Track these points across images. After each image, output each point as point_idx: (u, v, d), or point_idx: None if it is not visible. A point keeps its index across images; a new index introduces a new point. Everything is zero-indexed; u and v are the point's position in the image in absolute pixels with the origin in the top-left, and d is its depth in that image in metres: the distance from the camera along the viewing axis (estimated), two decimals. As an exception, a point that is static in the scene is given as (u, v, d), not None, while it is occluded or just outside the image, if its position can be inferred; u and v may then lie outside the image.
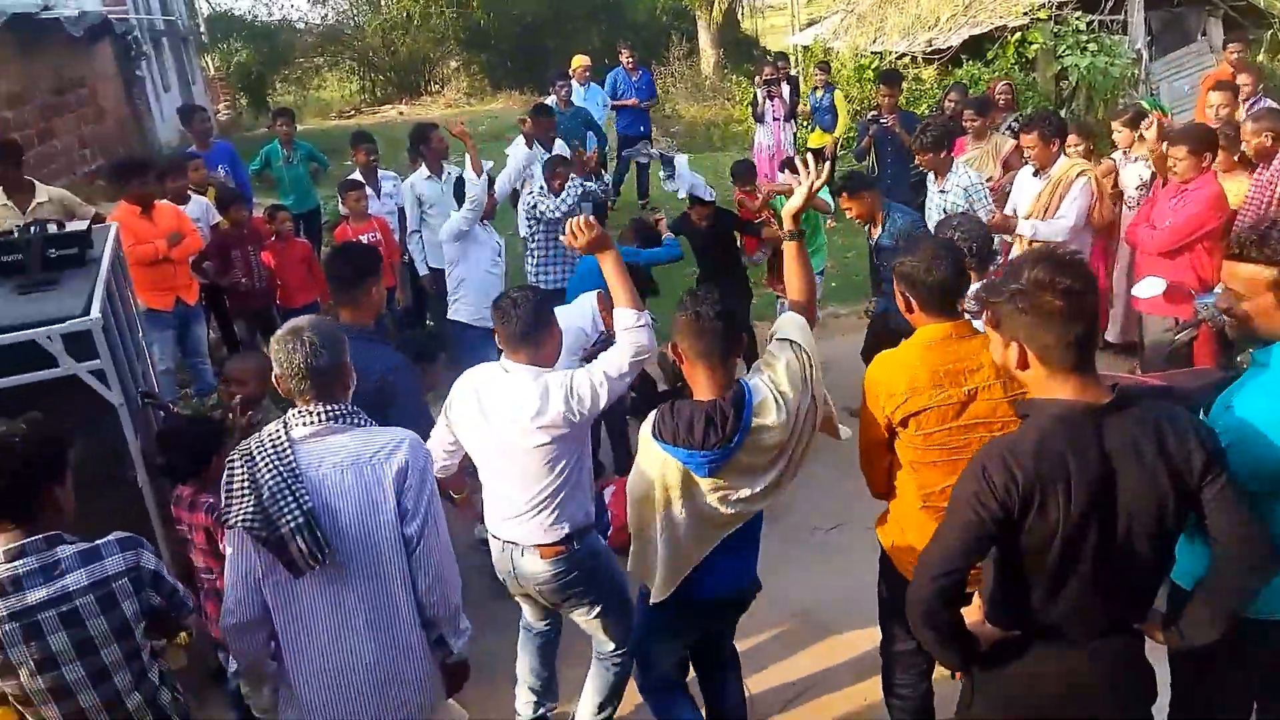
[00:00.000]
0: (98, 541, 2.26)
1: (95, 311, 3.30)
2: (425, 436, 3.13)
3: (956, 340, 2.72)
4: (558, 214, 5.89)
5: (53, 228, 4.06)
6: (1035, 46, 11.20)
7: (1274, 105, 7.59)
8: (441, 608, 2.46)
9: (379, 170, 7.18)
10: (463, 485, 3.46)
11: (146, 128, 14.51)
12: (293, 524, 2.23)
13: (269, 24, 22.45)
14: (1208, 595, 2.10)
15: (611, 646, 3.31)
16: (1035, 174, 5.54)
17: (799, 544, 4.68)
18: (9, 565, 2.12)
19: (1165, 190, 4.96)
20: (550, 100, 9.25)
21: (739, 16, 22.52)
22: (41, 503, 2.20)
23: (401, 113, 19.13)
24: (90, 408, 3.27)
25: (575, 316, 4.55)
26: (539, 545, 3.03)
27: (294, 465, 2.30)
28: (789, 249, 3.00)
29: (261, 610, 2.38)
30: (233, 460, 2.36)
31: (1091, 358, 2.01)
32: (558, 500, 3.00)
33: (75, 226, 4.24)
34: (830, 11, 15.97)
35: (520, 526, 3.04)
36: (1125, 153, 5.92)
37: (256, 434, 2.40)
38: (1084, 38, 11.31)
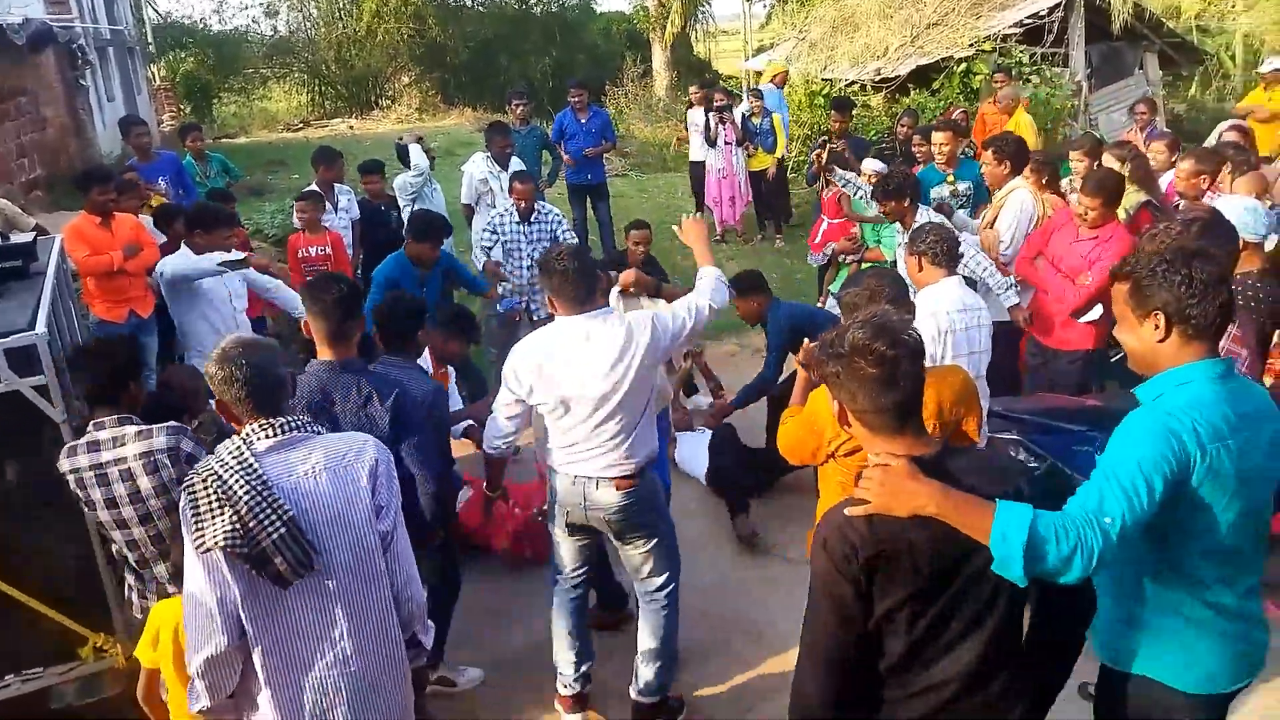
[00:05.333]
0: (152, 425, 2.99)
1: (40, 326, 3.22)
2: (434, 450, 3.30)
3: None
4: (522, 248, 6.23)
5: (-5, 239, 3.97)
6: (979, 77, 11.53)
7: (1167, 131, 8.01)
8: (415, 603, 2.50)
9: (336, 185, 7.14)
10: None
11: (88, 137, 14.15)
12: (275, 536, 2.21)
13: (220, 33, 22.15)
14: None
15: (660, 581, 3.49)
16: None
17: (758, 568, 4.74)
18: (92, 433, 3.00)
19: (1064, 231, 4.91)
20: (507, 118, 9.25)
21: (692, 40, 22.78)
22: (121, 394, 3.04)
23: (351, 127, 18.98)
24: (32, 424, 3.18)
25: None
26: (615, 477, 3.27)
27: (264, 477, 2.27)
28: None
29: (239, 637, 2.31)
30: (192, 481, 2.30)
31: (912, 418, 1.98)
32: (634, 434, 3.25)
33: (19, 238, 4.14)
34: (782, 39, 16.25)
35: (598, 461, 3.26)
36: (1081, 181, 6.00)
37: (214, 453, 2.35)
38: (1027, 69, 11.67)
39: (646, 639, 3.56)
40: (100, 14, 16.89)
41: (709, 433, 5.45)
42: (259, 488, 2.24)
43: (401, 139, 7.68)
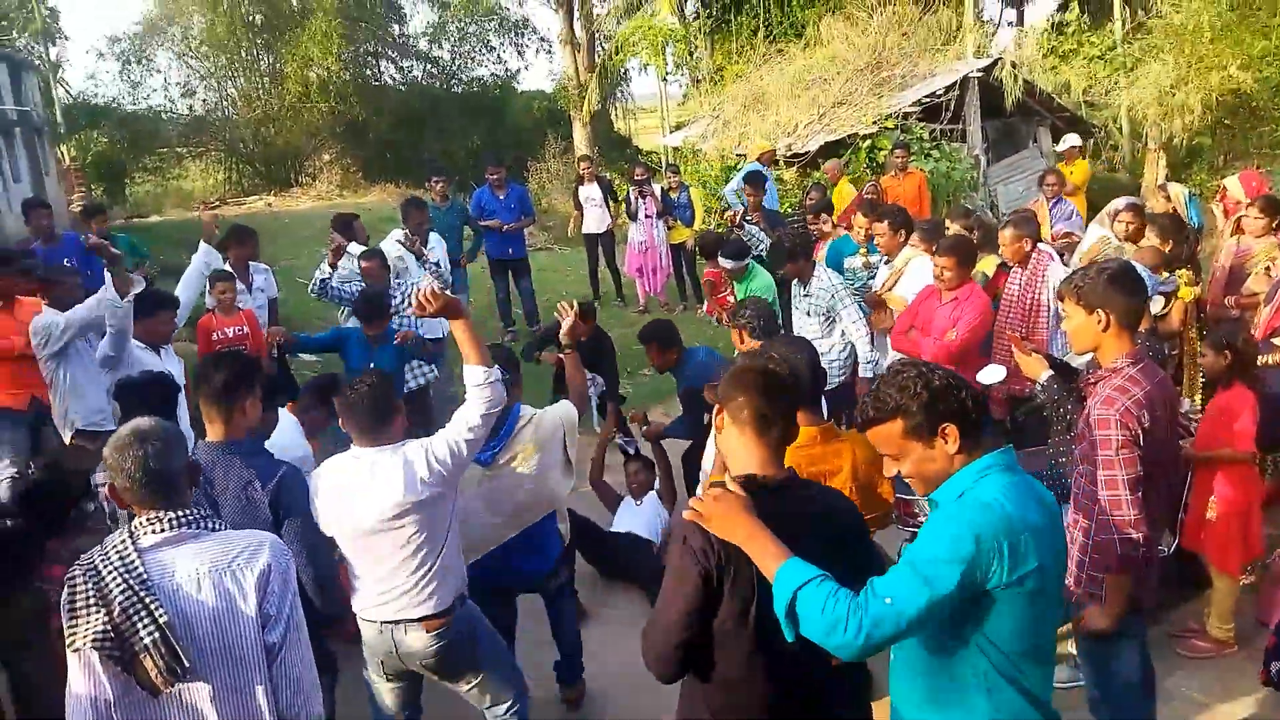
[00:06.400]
0: None
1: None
2: (318, 533, 3.13)
3: (823, 443, 2.86)
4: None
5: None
6: (884, 152, 12.05)
7: (1072, 205, 8.44)
8: None
9: (251, 263, 7.04)
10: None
11: (-7, 219, 13.78)
12: (148, 639, 2.11)
13: (134, 113, 21.84)
14: None
15: (503, 709, 3.35)
16: (887, 263, 6.00)
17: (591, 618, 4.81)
18: None
19: (929, 300, 5.23)
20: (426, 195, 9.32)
21: (612, 117, 23.34)
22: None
23: (270, 204, 18.82)
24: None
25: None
26: (423, 619, 3.07)
27: (144, 576, 2.18)
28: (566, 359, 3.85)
29: None
30: (74, 575, 2.21)
31: (775, 431, 2.23)
32: (435, 569, 3.07)
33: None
34: (698, 116, 16.77)
35: (401, 602, 3.07)
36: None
37: (99, 545, 2.27)
38: (928, 145, 12.25)
39: None
40: (6, 94, 16.58)
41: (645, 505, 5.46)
42: (136, 588, 2.15)
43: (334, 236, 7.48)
